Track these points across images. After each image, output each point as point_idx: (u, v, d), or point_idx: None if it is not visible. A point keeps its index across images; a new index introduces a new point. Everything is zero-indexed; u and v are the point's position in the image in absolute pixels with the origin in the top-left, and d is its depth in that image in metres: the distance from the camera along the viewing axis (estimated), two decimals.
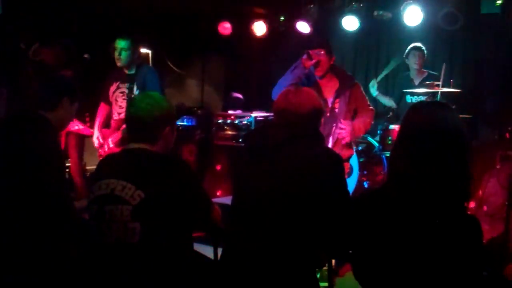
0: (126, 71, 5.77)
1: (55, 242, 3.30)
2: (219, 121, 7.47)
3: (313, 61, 5.05)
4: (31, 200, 3.23)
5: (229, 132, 7.34)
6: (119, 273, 2.82)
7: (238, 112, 7.64)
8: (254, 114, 7.32)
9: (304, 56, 5.04)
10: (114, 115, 5.83)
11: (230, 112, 7.72)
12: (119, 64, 5.70)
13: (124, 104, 5.70)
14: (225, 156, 7.24)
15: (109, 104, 5.89)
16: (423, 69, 7.17)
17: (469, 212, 4.75)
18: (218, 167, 7.33)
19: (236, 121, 7.33)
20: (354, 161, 6.42)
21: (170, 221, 2.82)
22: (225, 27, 8.06)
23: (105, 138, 5.79)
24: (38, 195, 3.23)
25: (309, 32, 7.68)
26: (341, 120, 5.12)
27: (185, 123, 7.82)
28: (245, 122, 7.23)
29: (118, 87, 5.80)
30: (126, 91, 5.70)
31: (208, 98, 9.22)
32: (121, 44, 5.65)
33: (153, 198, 2.79)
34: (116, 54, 5.67)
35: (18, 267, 3.24)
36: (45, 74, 5.75)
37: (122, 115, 5.64)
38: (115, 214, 2.81)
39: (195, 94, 9.15)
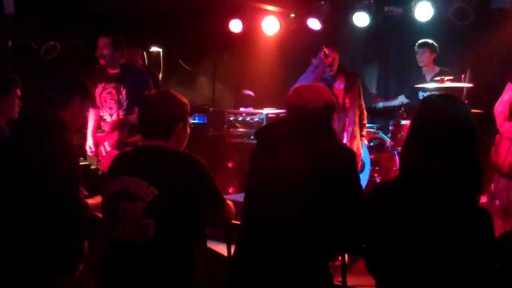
0: (110, 71, 5.58)
1: (67, 241, 3.32)
2: (231, 118, 7.50)
3: (330, 59, 5.08)
4: (43, 199, 3.23)
5: (241, 129, 7.37)
6: (133, 269, 2.83)
7: (250, 109, 7.66)
8: (266, 111, 7.34)
9: (322, 55, 5.06)
10: (105, 117, 5.60)
11: (241, 109, 7.74)
12: (102, 62, 5.51)
13: (113, 105, 5.51)
14: (236, 154, 7.27)
15: (97, 106, 5.64)
16: (434, 65, 7.18)
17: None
18: (230, 165, 7.35)
19: (248, 118, 7.35)
20: (365, 157, 6.43)
21: (183, 217, 2.83)
22: (236, 25, 8.07)
23: (100, 143, 5.60)
24: (50, 194, 3.24)
25: (320, 29, 7.69)
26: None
27: (196, 121, 7.86)
28: (257, 119, 7.25)
29: (104, 88, 5.58)
30: (114, 91, 5.51)
31: (220, 95, 9.24)
32: (103, 41, 5.49)
33: (166, 194, 2.79)
34: (99, 51, 5.49)
35: (29, 267, 3.26)
36: (57, 72, 5.74)
37: (115, 117, 5.49)
38: (128, 210, 2.82)
39: (206, 92, 9.17)
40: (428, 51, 7.11)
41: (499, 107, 5.13)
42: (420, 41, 7.17)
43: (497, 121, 5.10)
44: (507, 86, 5.10)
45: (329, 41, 5.26)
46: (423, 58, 7.14)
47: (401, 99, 7.40)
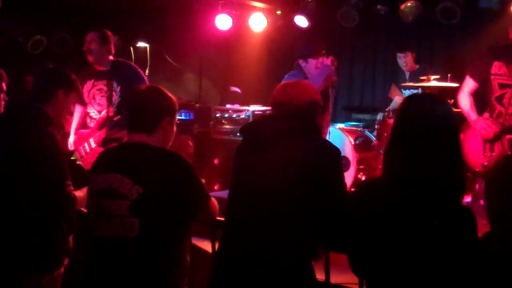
0: (100, 68, 5.47)
1: (53, 234, 3.31)
2: (217, 115, 7.49)
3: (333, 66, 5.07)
4: (29, 193, 3.24)
5: (227, 126, 7.37)
6: (118, 267, 2.82)
7: (236, 106, 7.65)
8: (252, 108, 7.34)
9: (330, 62, 5.01)
10: (92, 114, 5.51)
11: (228, 106, 7.73)
12: (90, 58, 5.40)
13: (103, 101, 5.43)
14: (223, 150, 7.26)
15: (84, 104, 5.53)
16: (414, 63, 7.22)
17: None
18: (216, 161, 7.35)
19: (234, 115, 7.35)
20: (351, 155, 6.44)
21: (168, 215, 2.81)
22: (224, 21, 8.05)
23: (84, 139, 5.46)
24: (37, 187, 3.24)
25: (308, 26, 7.69)
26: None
27: (182, 117, 7.83)
28: (243, 116, 7.25)
29: (93, 85, 5.48)
30: (105, 88, 5.43)
31: (206, 92, 9.22)
32: (91, 36, 5.38)
33: (151, 193, 2.77)
34: (86, 46, 5.38)
35: (14, 261, 3.26)
36: (42, 66, 5.68)
37: (103, 114, 5.41)
38: (113, 208, 2.80)
39: (193, 88, 9.14)
40: (410, 54, 7.14)
41: (465, 100, 4.69)
42: (400, 46, 7.17)
43: (467, 115, 4.74)
44: (465, 79, 4.89)
45: (322, 49, 5.19)
46: (407, 62, 7.15)
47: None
